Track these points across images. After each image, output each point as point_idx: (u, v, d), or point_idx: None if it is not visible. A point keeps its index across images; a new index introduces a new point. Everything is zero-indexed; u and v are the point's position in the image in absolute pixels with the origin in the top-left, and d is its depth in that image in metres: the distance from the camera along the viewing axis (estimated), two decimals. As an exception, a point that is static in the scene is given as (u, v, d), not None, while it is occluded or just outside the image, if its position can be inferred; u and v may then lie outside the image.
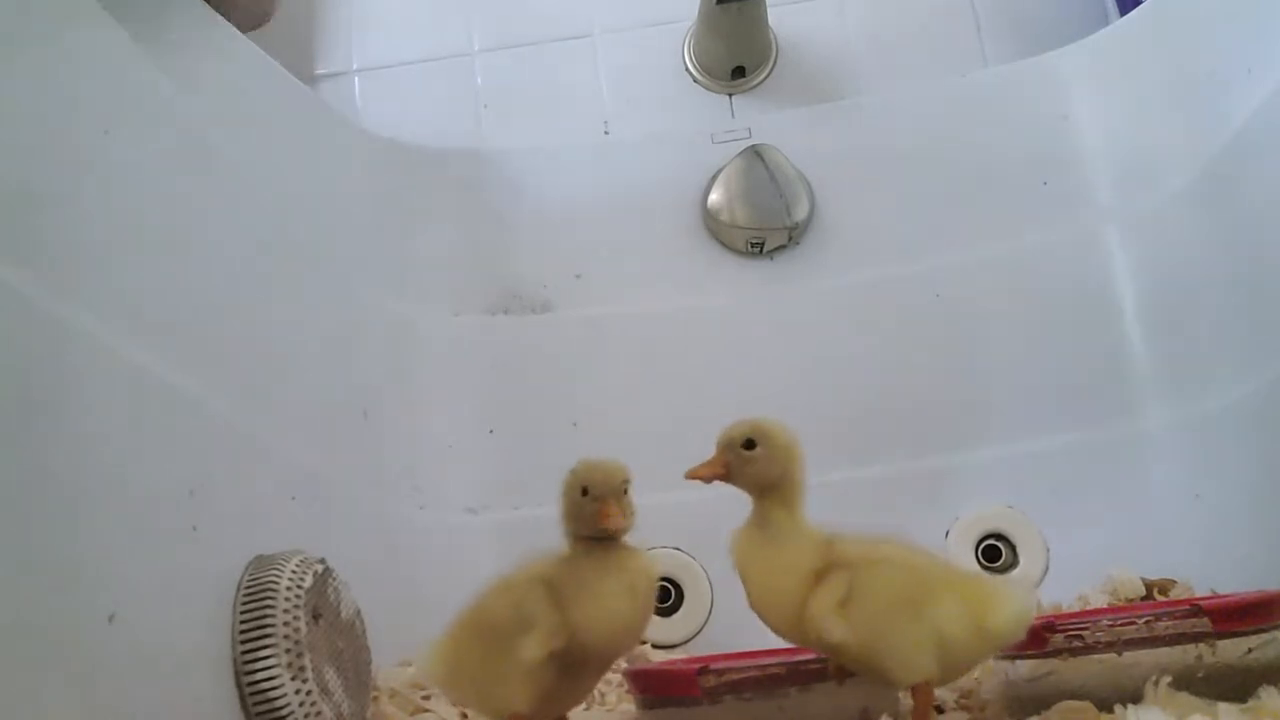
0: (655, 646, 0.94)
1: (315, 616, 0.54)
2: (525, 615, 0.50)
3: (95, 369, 0.44)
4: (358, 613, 0.60)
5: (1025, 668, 0.57)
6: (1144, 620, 0.55)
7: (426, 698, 0.70)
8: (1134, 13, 1.09)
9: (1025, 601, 0.48)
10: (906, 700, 0.60)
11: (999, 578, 0.51)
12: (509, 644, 0.49)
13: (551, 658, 0.49)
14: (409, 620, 0.78)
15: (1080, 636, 0.55)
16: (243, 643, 0.51)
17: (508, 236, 1.13)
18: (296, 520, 0.64)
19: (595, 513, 0.51)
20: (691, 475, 0.55)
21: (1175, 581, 0.87)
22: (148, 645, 0.44)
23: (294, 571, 0.54)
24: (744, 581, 0.52)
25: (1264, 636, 0.54)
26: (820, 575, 0.50)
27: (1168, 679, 0.52)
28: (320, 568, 0.56)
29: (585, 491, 0.52)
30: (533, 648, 0.48)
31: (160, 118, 0.54)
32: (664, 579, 0.98)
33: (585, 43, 1.41)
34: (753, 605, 0.52)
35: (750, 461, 0.53)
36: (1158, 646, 0.54)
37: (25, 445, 0.38)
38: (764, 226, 1.12)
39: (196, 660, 0.48)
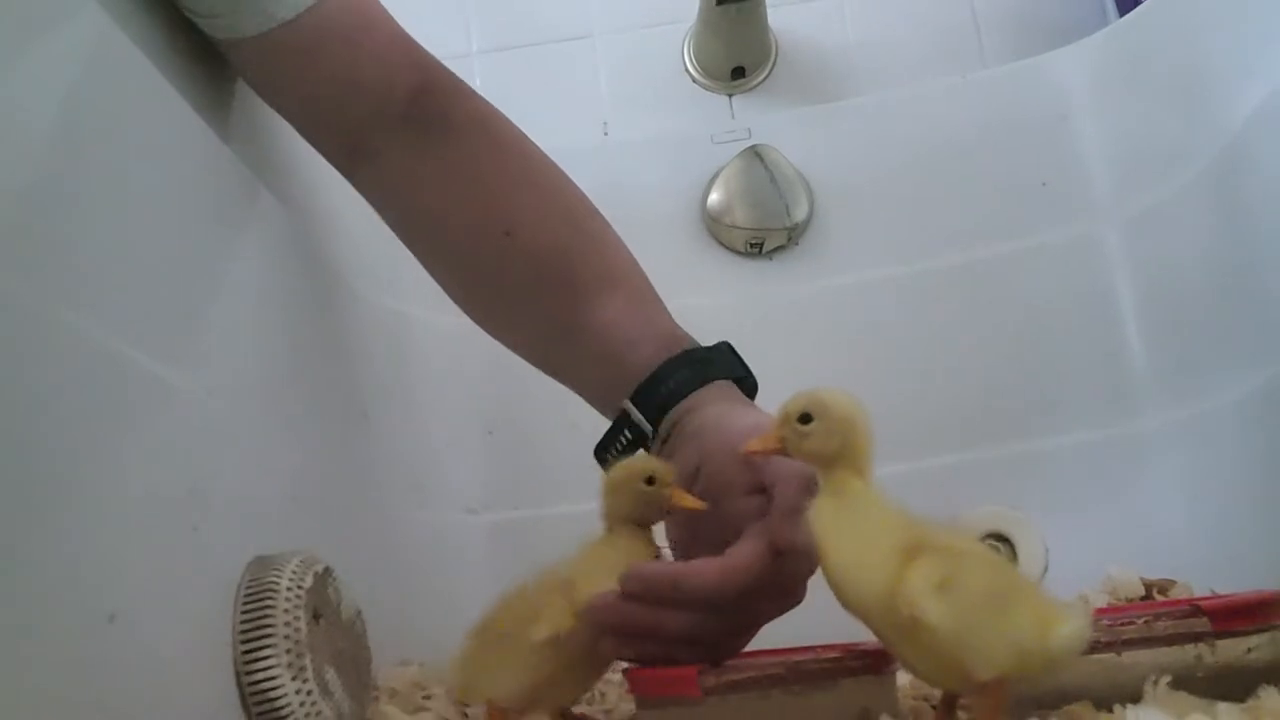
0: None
1: (315, 616, 0.54)
2: (536, 605, 0.53)
3: (95, 370, 0.44)
4: (358, 613, 0.60)
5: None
6: (1143, 620, 0.54)
7: (427, 698, 0.69)
8: (1134, 13, 1.09)
9: (1082, 626, 0.46)
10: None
11: (1057, 596, 0.49)
12: (520, 633, 0.52)
13: (557, 642, 0.52)
14: (409, 620, 0.78)
15: (1079, 636, 0.55)
16: (243, 643, 0.51)
17: (508, 236, 1.13)
18: (296, 520, 0.64)
19: (668, 496, 0.56)
20: (748, 451, 0.54)
21: (1175, 581, 0.87)
22: (148, 645, 0.44)
23: (294, 572, 0.54)
24: (822, 553, 0.50)
25: (1264, 636, 0.54)
26: (908, 554, 0.48)
27: (1167, 679, 0.52)
28: (320, 568, 0.56)
29: (651, 480, 0.56)
30: (541, 630, 0.51)
31: (173, 128, 0.54)
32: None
33: (585, 43, 1.41)
34: (831, 578, 0.50)
35: (807, 436, 0.51)
36: (1157, 646, 0.54)
37: (24, 445, 0.38)
38: (764, 227, 1.12)
39: (197, 660, 0.48)
